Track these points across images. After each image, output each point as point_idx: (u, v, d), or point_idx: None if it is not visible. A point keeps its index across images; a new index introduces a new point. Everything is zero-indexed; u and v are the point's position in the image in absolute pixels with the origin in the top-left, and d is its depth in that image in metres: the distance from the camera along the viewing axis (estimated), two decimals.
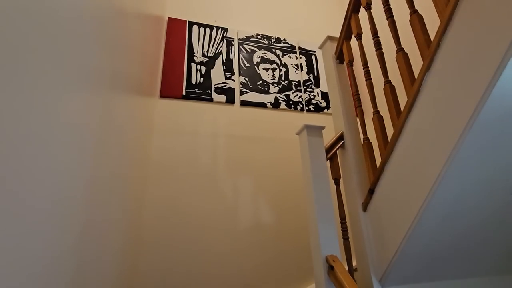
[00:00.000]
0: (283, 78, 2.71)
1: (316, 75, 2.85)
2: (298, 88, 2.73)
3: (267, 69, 2.69)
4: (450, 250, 1.25)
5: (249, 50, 2.70)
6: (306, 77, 2.80)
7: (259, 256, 2.06)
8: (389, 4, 1.31)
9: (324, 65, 1.77)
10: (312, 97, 2.73)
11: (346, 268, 1.48)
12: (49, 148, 0.58)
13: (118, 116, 1.10)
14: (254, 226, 2.13)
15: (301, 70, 2.82)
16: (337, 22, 3.23)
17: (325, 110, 2.72)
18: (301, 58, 2.86)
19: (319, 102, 2.73)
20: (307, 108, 2.67)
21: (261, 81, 2.62)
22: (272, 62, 2.74)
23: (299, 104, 2.66)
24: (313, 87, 2.79)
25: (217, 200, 2.13)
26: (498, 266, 1.39)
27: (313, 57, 2.92)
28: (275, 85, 2.65)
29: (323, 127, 1.49)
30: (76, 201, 0.74)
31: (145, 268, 1.83)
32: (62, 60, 0.60)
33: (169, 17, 2.54)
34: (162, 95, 2.29)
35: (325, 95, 2.79)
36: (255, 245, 2.08)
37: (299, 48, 2.90)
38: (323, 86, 2.82)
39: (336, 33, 3.13)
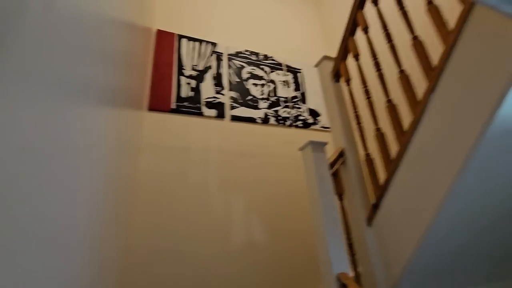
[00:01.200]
0: (271, 94, 2.74)
1: (303, 92, 2.93)
2: (286, 104, 2.78)
3: (256, 85, 2.71)
4: (452, 263, 1.31)
5: (239, 66, 2.72)
6: (294, 93, 2.87)
7: (252, 275, 1.98)
8: (388, 30, 1.40)
9: (321, 83, 1.82)
10: (299, 113, 2.79)
11: None
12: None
13: (103, 128, 1.01)
14: (246, 245, 2.06)
15: (288, 87, 2.88)
16: (321, 41, 3.39)
17: (312, 126, 2.79)
18: (288, 75, 2.94)
19: (306, 119, 2.80)
20: (295, 124, 2.72)
21: (250, 97, 2.63)
22: (260, 78, 2.77)
23: (288, 119, 2.70)
24: (300, 103, 2.85)
25: (208, 217, 2.04)
26: (494, 273, 1.48)
27: (299, 74, 3.01)
28: (264, 100, 2.68)
29: (326, 143, 1.51)
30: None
31: None
32: (44, 69, 0.49)
33: (158, 29, 2.48)
34: (151, 108, 2.19)
35: (312, 112, 2.86)
36: (248, 265, 2.00)
37: (286, 65, 2.98)
38: (310, 103, 2.90)
39: (320, 51, 3.28)
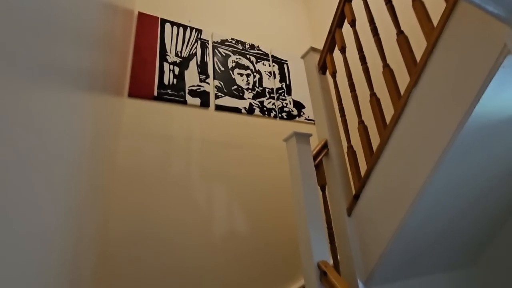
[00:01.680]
0: (257, 85, 2.72)
1: (288, 83, 2.93)
2: (272, 95, 2.77)
3: (241, 75, 2.68)
4: (426, 249, 1.38)
5: (224, 54, 2.66)
6: (279, 85, 2.86)
7: (234, 265, 2.00)
8: (375, 23, 1.41)
9: (307, 74, 1.82)
10: (284, 104, 2.80)
11: None
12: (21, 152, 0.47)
13: (81, 115, 0.95)
14: (229, 235, 2.07)
15: (274, 78, 2.87)
16: (307, 33, 3.38)
17: (297, 118, 2.80)
18: (274, 66, 2.92)
19: (291, 110, 2.81)
20: (280, 115, 2.72)
21: (236, 86, 2.59)
22: (246, 68, 2.73)
23: (273, 111, 2.70)
24: (285, 95, 2.85)
25: (189, 206, 2.02)
26: (461, 261, 1.57)
27: (285, 65, 3.00)
28: (250, 91, 2.65)
29: (310, 135, 1.52)
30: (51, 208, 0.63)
31: (112, 284, 1.63)
32: (14, 50, 0.43)
33: (139, 12, 2.37)
34: (131, 95, 2.11)
35: (296, 104, 2.87)
36: (230, 253, 2.02)
37: (272, 56, 2.95)
38: (295, 95, 2.91)
39: (306, 43, 3.27)
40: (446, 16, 1.05)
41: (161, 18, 2.45)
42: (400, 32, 1.27)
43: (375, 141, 1.40)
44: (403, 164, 1.20)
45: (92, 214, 1.23)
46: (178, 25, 2.52)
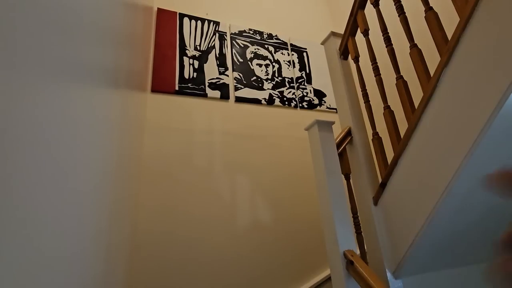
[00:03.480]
0: (276, 75, 2.68)
1: (308, 72, 2.86)
2: (291, 84, 2.72)
3: (260, 65, 2.65)
4: (458, 240, 1.31)
5: (242, 45, 2.64)
6: (299, 74, 2.81)
7: (259, 256, 2.02)
8: (400, 1, 1.33)
9: (328, 61, 1.77)
10: (305, 94, 2.74)
11: None
12: (53, 149, 0.49)
13: (111, 111, 0.99)
14: (253, 226, 2.09)
15: (294, 67, 2.81)
16: (326, 19, 3.27)
17: (318, 107, 2.74)
18: (293, 55, 2.86)
19: (311, 99, 2.75)
20: (300, 105, 2.67)
21: (255, 77, 2.58)
22: (265, 58, 2.70)
23: (293, 100, 2.66)
24: (305, 84, 2.79)
25: (213, 200, 2.06)
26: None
27: (304, 54, 2.93)
28: (269, 81, 2.62)
29: (333, 122, 1.48)
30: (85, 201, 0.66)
31: (141, 274, 1.71)
32: (44, 50, 0.44)
33: (158, 8, 2.40)
34: (154, 90, 2.16)
35: (317, 92, 2.81)
36: (254, 245, 2.04)
37: (291, 44, 2.89)
38: (315, 83, 2.84)
39: (325, 30, 3.16)
40: None
41: (179, 13, 2.47)
42: (429, 9, 1.18)
43: (402, 127, 1.34)
44: (434, 149, 1.13)
45: (124, 216, 1.29)
46: (196, 18, 2.53)
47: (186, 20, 2.48)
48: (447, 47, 1.08)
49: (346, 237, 1.28)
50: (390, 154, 1.39)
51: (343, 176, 1.47)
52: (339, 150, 1.49)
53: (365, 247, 1.41)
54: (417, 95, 1.28)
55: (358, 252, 1.38)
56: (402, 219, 1.27)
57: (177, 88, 2.23)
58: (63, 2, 0.52)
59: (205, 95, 2.31)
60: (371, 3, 1.46)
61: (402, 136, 1.28)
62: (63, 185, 0.54)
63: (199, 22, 2.53)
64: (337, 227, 1.27)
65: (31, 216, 0.41)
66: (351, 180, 1.52)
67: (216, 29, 2.58)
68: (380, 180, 1.39)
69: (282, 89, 2.65)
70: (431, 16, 1.17)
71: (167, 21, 2.40)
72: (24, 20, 0.38)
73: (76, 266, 0.64)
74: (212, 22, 2.59)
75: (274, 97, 2.58)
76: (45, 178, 0.45)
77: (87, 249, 0.72)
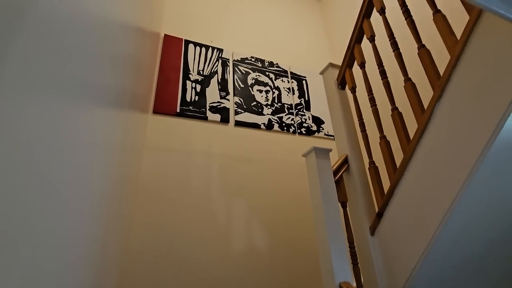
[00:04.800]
0: (276, 101, 2.75)
1: (307, 99, 2.94)
2: (290, 111, 2.78)
3: (261, 91, 2.72)
4: (459, 271, 1.28)
5: (244, 72, 2.74)
6: (298, 100, 2.88)
7: (253, 281, 1.95)
8: (394, 37, 1.41)
9: (326, 90, 1.82)
10: (303, 120, 2.79)
11: None
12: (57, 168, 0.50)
13: (110, 129, 1.01)
14: (248, 250, 2.04)
15: (293, 94, 2.89)
16: (325, 50, 3.41)
17: (316, 134, 2.78)
18: (292, 82, 2.95)
19: (310, 126, 2.80)
20: (299, 131, 2.71)
21: (255, 102, 2.64)
22: (265, 84, 2.78)
23: (292, 126, 2.70)
24: (304, 110, 2.86)
25: (209, 222, 2.02)
26: (503, 286, 1.44)
27: (303, 82, 3.02)
28: (269, 107, 2.68)
29: (330, 150, 1.50)
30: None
31: None
32: (51, 70, 0.47)
33: (165, 34, 2.51)
34: (156, 111, 2.21)
35: (315, 119, 2.86)
36: (249, 268, 1.98)
37: (291, 73, 2.99)
38: (314, 110, 2.90)
39: (324, 60, 3.28)
40: (470, 29, 1.03)
41: (185, 39, 2.58)
42: (421, 46, 1.25)
43: (398, 156, 1.36)
44: (429, 181, 1.14)
45: (116, 234, 1.27)
46: (201, 45, 2.64)
47: (191, 46, 2.59)
48: (439, 82, 1.13)
49: (342, 268, 1.25)
50: (386, 183, 1.40)
51: (339, 204, 1.46)
52: (336, 178, 1.50)
53: (362, 279, 1.37)
54: (412, 125, 1.31)
55: (354, 284, 1.34)
56: (400, 250, 1.25)
57: (178, 110, 2.28)
58: (77, 28, 0.56)
59: (205, 118, 2.35)
60: (367, 38, 1.54)
61: (398, 166, 1.30)
62: (63, 213, 0.54)
63: (203, 49, 2.64)
64: (333, 258, 1.25)
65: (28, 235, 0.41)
66: (347, 209, 1.51)
67: (220, 55, 2.69)
68: (376, 209, 1.39)
69: (281, 114, 2.70)
70: (424, 53, 1.23)
71: (173, 47, 2.51)
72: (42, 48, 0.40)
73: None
74: (216, 49, 2.70)
75: (273, 122, 2.62)
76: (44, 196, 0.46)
77: (76, 271, 0.70)
